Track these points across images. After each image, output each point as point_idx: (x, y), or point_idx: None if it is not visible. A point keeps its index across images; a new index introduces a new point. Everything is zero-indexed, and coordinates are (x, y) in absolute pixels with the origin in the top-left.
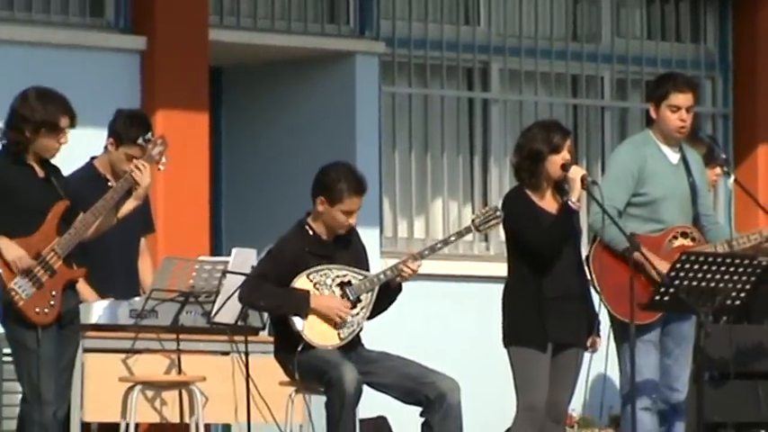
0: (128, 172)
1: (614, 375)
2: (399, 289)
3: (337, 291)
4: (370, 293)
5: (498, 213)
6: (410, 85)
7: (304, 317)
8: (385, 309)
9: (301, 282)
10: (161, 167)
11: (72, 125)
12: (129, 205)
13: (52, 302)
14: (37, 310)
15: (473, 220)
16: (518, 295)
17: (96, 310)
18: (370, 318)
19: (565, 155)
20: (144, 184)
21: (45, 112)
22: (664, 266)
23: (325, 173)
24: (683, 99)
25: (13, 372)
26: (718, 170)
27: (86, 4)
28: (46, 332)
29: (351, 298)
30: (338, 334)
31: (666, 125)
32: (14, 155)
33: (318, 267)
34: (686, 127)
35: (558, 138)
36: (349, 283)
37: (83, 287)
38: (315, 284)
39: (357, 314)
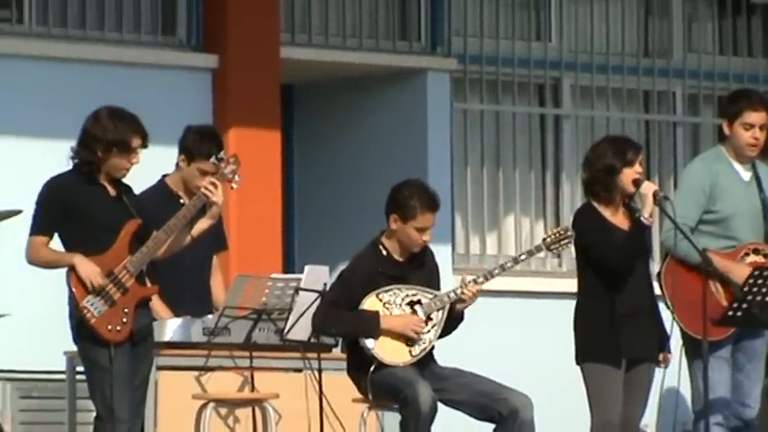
0: (200, 188)
1: (686, 392)
2: (461, 317)
3: (407, 310)
4: (440, 312)
5: (570, 233)
6: (482, 102)
7: (375, 338)
8: (449, 333)
9: (370, 302)
10: (234, 186)
11: (144, 145)
12: (204, 224)
13: (125, 320)
14: (109, 327)
15: (544, 240)
16: (590, 311)
17: (170, 327)
18: (441, 336)
19: (637, 168)
20: (218, 202)
21: (116, 131)
22: (743, 271)
23: (398, 190)
24: (756, 117)
25: (86, 390)
26: None
27: (158, 22)
28: (119, 350)
29: (424, 316)
30: (410, 351)
31: (739, 142)
32: (86, 174)
33: (388, 287)
34: (759, 145)
35: (630, 152)
36: (419, 302)
37: (157, 304)
38: (384, 304)
39: (428, 332)
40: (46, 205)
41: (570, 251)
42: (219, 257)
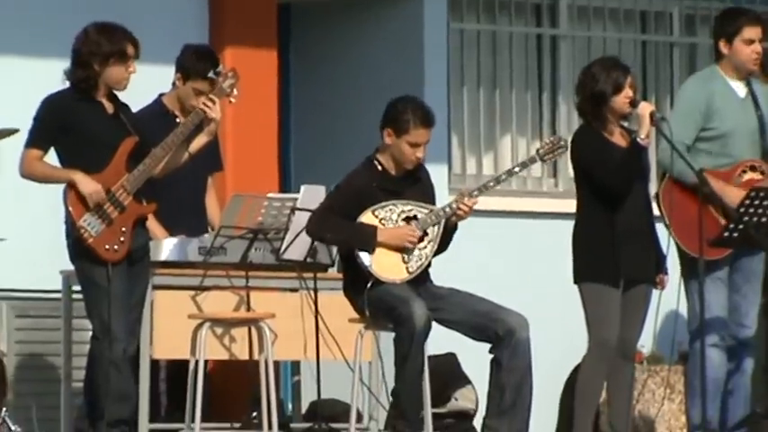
0: (196, 107)
1: (684, 312)
2: (455, 228)
3: (403, 225)
4: (436, 227)
5: (563, 143)
6: (478, 22)
7: (371, 251)
8: (444, 248)
9: (367, 217)
10: (232, 100)
11: (137, 54)
12: (201, 140)
13: (122, 239)
14: (107, 246)
15: (537, 150)
16: (589, 231)
17: (166, 247)
18: (436, 254)
19: (628, 92)
20: (216, 118)
21: (110, 43)
22: (737, 194)
23: (392, 105)
24: (755, 32)
25: (83, 309)
26: None
27: None
28: (116, 269)
29: (420, 230)
30: (407, 267)
31: (741, 58)
32: (83, 91)
33: (384, 203)
34: (760, 58)
35: (620, 76)
36: (415, 217)
37: (152, 224)
38: (380, 220)
39: (425, 247)
40: (43, 120)
41: (567, 170)
42: (215, 178)
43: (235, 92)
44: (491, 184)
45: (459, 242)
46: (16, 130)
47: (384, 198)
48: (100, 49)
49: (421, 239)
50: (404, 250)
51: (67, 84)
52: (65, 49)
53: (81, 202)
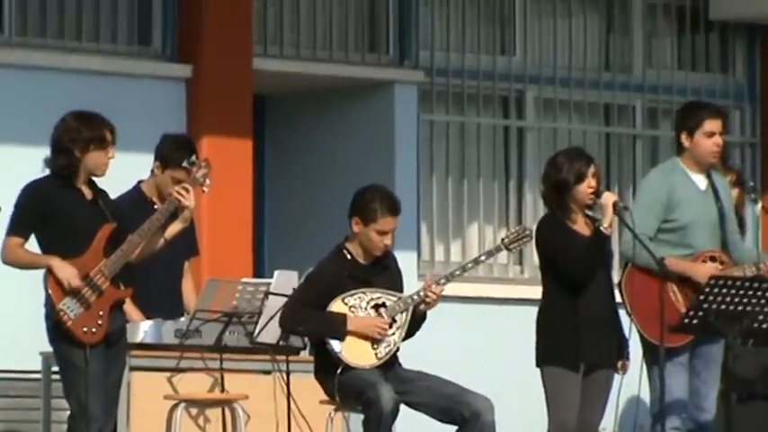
0: (174, 196)
1: (646, 397)
2: (424, 316)
3: (372, 313)
4: (404, 313)
5: (528, 232)
6: (447, 113)
7: (342, 339)
8: (412, 334)
9: (337, 305)
10: (205, 189)
11: (113, 140)
12: (176, 227)
13: (100, 322)
14: (85, 329)
15: (503, 240)
16: (553, 316)
17: (142, 329)
18: (405, 339)
19: (590, 182)
20: (189, 206)
21: (90, 129)
22: (705, 270)
23: (360, 194)
24: (716, 125)
25: (61, 389)
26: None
27: (135, 32)
28: (94, 351)
29: (388, 319)
30: (375, 354)
31: (702, 151)
32: (65, 178)
33: (353, 291)
34: (720, 150)
35: (582, 166)
36: (383, 305)
37: (129, 307)
38: (350, 308)
39: (393, 334)
40: (23, 207)
41: (533, 257)
42: (191, 262)
43: (207, 181)
44: (458, 272)
45: (428, 326)
46: None
47: (353, 286)
48: (80, 135)
49: (390, 326)
50: (371, 338)
51: (47, 171)
52: (44, 137)
53: (60, 287)
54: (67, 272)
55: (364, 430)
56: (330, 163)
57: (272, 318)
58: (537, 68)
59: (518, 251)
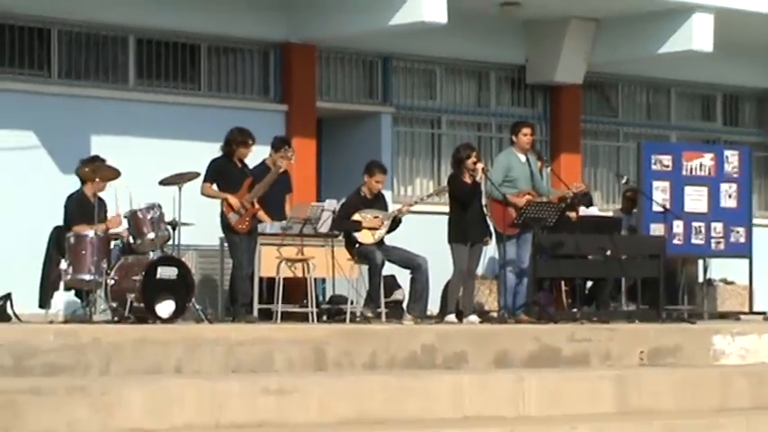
0: (277, 163)
1: (496, 255)
2: (399, 221)
3: (372, 218)
4: (388, 220)
5: (445, 187)
6: (407, 127)
7: (359, 231)
8: (394, 230)
9: (356, 216)
10: (292, 161)
11: (253, 142)
12: (279, 170)
13: (247, 222)
14: (240, 226)
15: (435, 189)
16: (455, 220)
17: (265, 225)
18: (387, 233)
19: (473, 159)
20: (285, 167)
21: (241, 136)
22: (521, 201)
23: (368, 163)
24: (529, 131)
25: (228, 254)
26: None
27: (261, 87)
28: (243, 236)
29: (380, 222)
30: (373, 236)
31: (521, 143)
32: (228, 157)
33: (363, 209)
34: (531, 144)
35: (468, 151)
36: (377, 216)
37: (261, 214)
38: (363, 217)
39: (381, 229)
40: (212, 168)
41: (446, 196)
42: (289, 195)
43: (293, 158)
44: (416, 201)
45: (400, 225)
46: (197, 174)
47: (364, 207)
48: (236, 139)
49: (382, 225)
50: (372, 230)
51: (220, 153)
52: (209, 138)
53: (229, 207)
54: (235, 200)
55: (369, 272)
56: (348, 151)
57: (324, 221)
58: None
59: (441, 195)
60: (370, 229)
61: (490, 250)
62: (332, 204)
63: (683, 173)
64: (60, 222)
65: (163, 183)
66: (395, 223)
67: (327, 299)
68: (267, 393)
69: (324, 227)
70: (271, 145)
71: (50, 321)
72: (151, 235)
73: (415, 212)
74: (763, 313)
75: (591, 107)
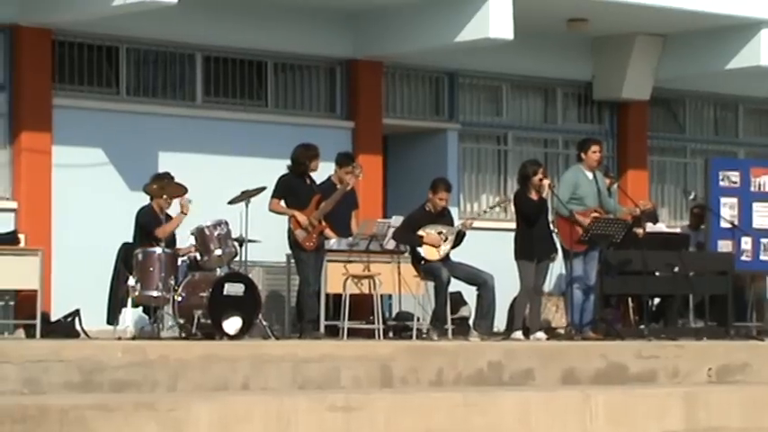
0: (344, 180)
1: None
2: (464, 235)
3: (435, 234)
4: (452, 235)
5: (507, 199)
6: (474, 144)
7: (421, 245)
8: (459, 245)
9: (420, 231)
10: (360, 177)
11: (318, 157)
12: (348, 187)
13: (314, 239)
14: (308, 243)
15: (497, 200)
16: (522, 236)
17: (332, 242)
18: (452, 248)
19: (539, 176)
20: (352, 185)
21: (307, 152)
22: (587, 220)
23: (433, 181)
24: (598, 148)
25: (294, 271)
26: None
27: (327, 104)
28: (311, 253)
29: (444, 238)
30: (438, 253)
31: (590, 160)
32: (297, 173)
33: (427, 225)
34: (600, 161)
35: (535, 168)
36: (441, 232)
37: (328, 232)
38: (426, 233)
39: (446, 244)
40: (281, 185)
41: (512, 212)
42: (355, 212)
43: (361, 175)
44: (479, 214)
45: (465, 238)
46: (264, 188)
47: (429, 223)
48: (305, 154)
49: (445, 241)
50: (437, 246)
51: (288, 169)
52: (276, 155)
53: (297, 224)
54: (303, 218)
55: (435, 289)
56: (414, 167)
57: (390, 237)
58: None
59: (505, 207)
60: (431, 245)
61: (557, 267)
62: (398, 221)
63: (752, 189)
64: (129, 239)
65: (231, 202)
66: (459, 238)
67: (394, 315)
68: (334, 410)
69: (390, 243)
70: (335, 161)
71: (118, 338)
72: (218, 251)
73: (482, 229)
74: None
75: (658, 123)
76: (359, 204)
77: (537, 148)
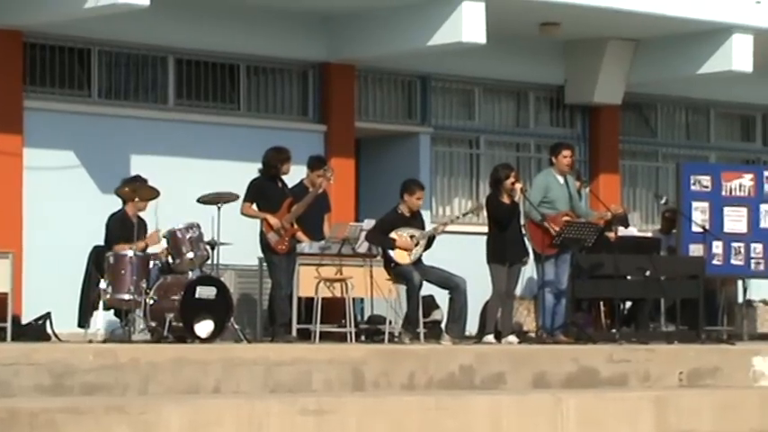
0: (316, 183)
1: (535, 275)
2: (434, 239)
3: (407, 237)
4: (423, 239)
5: (480, 204)
6: (445, 147)
7: (393, 249)
8: (428, 249)
9: (393, 234)
10: (331, 181)
11: (290, 161)
12: (319, 190)
13: (286, 242)
14: (280, 247)
15: (469, 207)
16: (494, 240)
17: (304, 245)
18: (423, 251)
19: (511, 179)
20: (324, 187)
21: (279, 155)
22: (556, 222)
23: (405, 181)
24: (569, 153)
25: (267, 273)
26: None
27: (299, 107)
28: (283, 256)
29: (416, 242)
30: (409, 256)
31: (561, 165)
32: (269, 177)
33: (400, 228)
34: (571, 166)
35: (506, 172)
36: (413, 235)
37: (300, 234)
38: (398, 235)
39: (418, 247)
40: (252, 188)
41: (484, 216)
42: (327, 215)
43: (332, 178)
44: (452, 219)
45: (435, 242)
46: (237, 196)
47: (401, 225)
48: (277, 157)
49: (416, 245)
50: (409, 250)
51: (258, 175)
52: (246, 157)
53: (269, 227)
54: (275, 220)
55: (407, 294)
56: (386, 171)
57: (362, 241)
58: None
59: (478, 213)
60: (402, 248)
61: (528, 271)
62: (370, 224)
63: (723, 193)
64: (100, 242)
65: (201, 201)
66: (429, 241)
67: (366, 319)
68: (305, 413)
69: (362, 247)
70: (307, 164)
71: (89, 341)
72: (190, 254)
73: (454, 233)
74: None
75: (630, 127)
76: (331, 208)
77: (509, 151)
